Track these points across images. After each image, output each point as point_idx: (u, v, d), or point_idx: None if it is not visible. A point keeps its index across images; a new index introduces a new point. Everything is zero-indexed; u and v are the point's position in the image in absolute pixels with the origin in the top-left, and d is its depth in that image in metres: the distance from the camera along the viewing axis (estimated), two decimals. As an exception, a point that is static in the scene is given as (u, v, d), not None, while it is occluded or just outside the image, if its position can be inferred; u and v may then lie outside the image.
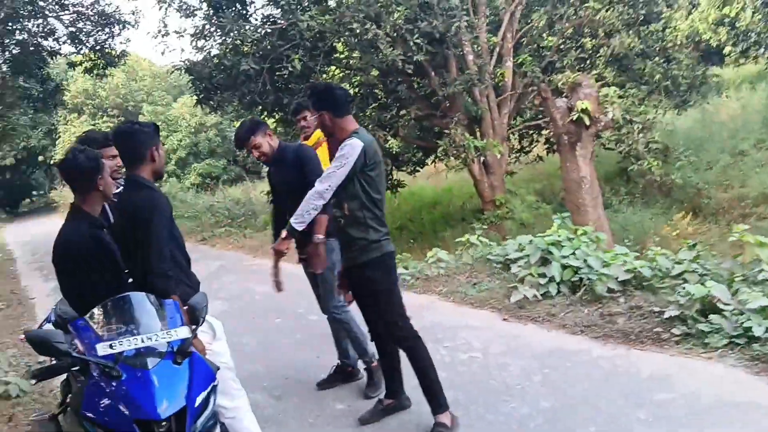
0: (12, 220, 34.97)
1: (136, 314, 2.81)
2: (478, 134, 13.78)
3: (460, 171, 14.78)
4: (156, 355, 2.63)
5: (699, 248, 5.62)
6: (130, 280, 3.44)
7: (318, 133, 5.88)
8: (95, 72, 16.99)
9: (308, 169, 4.28)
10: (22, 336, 7.62)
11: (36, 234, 23.12)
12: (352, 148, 3.63)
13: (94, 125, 31.50)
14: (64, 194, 32.86)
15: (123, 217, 3.31)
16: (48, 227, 25.59)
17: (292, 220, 3.69)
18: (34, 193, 48.31)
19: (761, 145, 14.64)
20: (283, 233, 3.75)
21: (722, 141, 15.27)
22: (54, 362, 2.84)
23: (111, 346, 2.57)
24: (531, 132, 16.37)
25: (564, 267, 5.84)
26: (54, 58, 17.41)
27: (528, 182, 17.35)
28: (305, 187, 4.12)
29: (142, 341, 2.62)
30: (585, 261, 5.82)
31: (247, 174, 26.91)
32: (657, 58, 14.83)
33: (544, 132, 16.38)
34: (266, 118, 14.47)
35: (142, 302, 2.87)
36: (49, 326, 3.86)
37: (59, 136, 34.09)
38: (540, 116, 16.27)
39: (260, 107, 12.83)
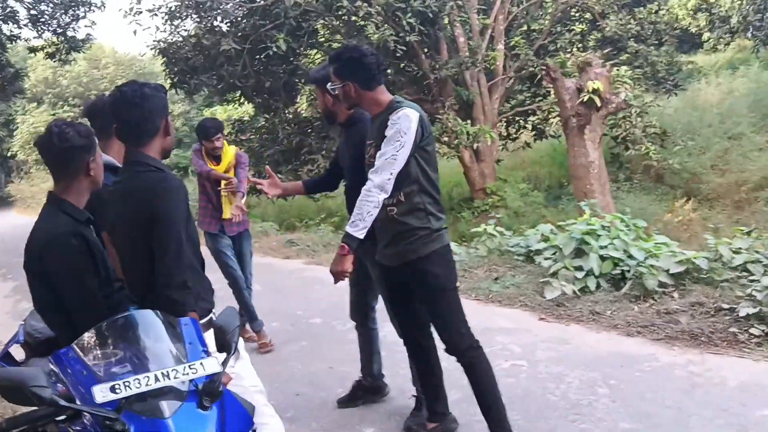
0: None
1: (144, 341, 2.07)
2: (468, 120, 13.18)
3: (449, 159, 14.18)
4: (174, 397, 1.91)
5: (755, 235, 5.04)
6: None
7: (230, 156, 5.32)
8: (58, 57, 15.91)
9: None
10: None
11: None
12: (408, 121, 2.92)
13: (53, 115, 30.16)
14: (21, 188, 31.44)
15: (119, 209, 2.54)
16: (4, 223, 24.37)
17: (348, 228, 2.94)
18: (-11, 186, 46.48)
19: (756, 127, 14.26)
20: (340, 248, 2.98)
21: (714, 126, 14.90)
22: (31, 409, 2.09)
23: (113, 390, 1.83)
24: (518, 118, 15.83)
25: (602, 259, 5.21)
26: (14, 42, 16.31)
27: (514, 170, 16.84)
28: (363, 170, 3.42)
29: (156, 380, 1.89)
30: (626, 251, 5.21)
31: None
32: (650, 41, 14.38)
33: (531, 118, 15.89)
34: (245, 103, 13.69)
35: (150, 324, 2.13)
36: (17, 348, 3.09)
37: (17, 127, 32.63)
38: (530, 101, 15.79)
39: (239, 91, 12.04)
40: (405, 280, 3.17)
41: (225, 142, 5.38)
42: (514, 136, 16.19)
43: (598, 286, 5.12)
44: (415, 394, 3.76)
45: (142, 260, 2.45)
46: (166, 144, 2.61)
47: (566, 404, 3.63)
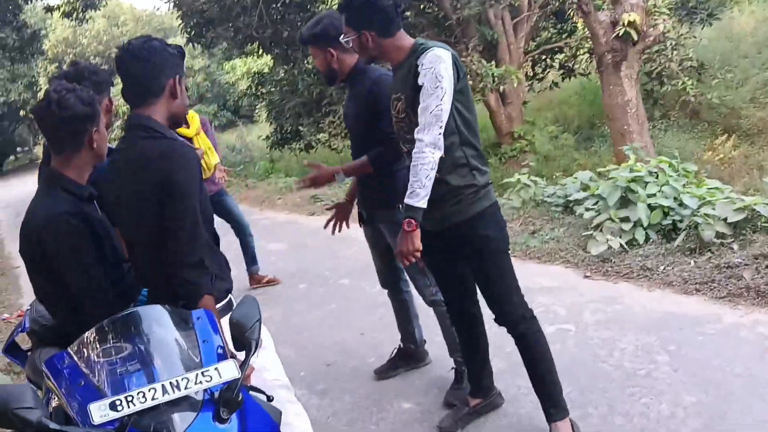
0: (-3, 177, 33.66)
1: (152, 343, 1.77)
2: (493, 62, 12.60)
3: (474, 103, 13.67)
4: (188, 407, 1.63)
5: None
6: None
7: (197, 120, 5.31)
8: (75, 16, 15.55)
9: (379, 109, 3.15)
10: (5, 316, 6.69)
11: (20, 194, 21.89)
12: (441, 62, 2.53)
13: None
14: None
15: (123, 181, 2.22)
16: (34, 187, 24.37)
17: (408, 200, 2.56)
18: (19, 150, 46.74)
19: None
20: (406, 224, 2.58)
21: (751, 57, 14.13)
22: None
23: (114, 407, 1.55)
24: (545, 57, 15.18)
25: (651, 208, 4.82)
26: (30, 2, 15.96)
27: (540, 111, 16.25)
28: (371, 131, 3.12)
29: (164, 392, 1.60)
30: (676, 199, 4.81)
31: (240, 118, 25.64)
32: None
33: (558, 56, 15.24)
34: (263, 55, 13.26)
35: (158, 321, 1.84)
36: (23, 337, 2.85)
37: (40, 89, 32.50)
38: (556, 38, 15.12)
39: (257, 42, 11.61)
40: (449, 245, 2.82)
41: None
42: (541, 75, 15.58)
43: (647, 238, 4.73)
44: (455, 366, 3.48)
45: (150, 239, 2.15)
46: (174, 108, 2.26)
47: (622, 374, 3.31)
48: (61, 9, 15.46)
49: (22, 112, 35.24)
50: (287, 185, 10.95)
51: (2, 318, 6.57)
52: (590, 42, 13.39)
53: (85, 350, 1.79)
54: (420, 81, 2.54)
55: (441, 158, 2.65)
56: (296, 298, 5.56)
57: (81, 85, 2.40)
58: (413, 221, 2.56)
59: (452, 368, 3.47)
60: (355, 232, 6.66)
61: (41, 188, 2.40)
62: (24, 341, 2.84)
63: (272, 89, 14.03)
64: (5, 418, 1.48)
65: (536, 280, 4.70)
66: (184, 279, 2.08)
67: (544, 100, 16.72)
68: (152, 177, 2.09)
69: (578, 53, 14.55)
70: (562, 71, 15.00)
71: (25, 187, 25.01)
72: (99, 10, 17.35)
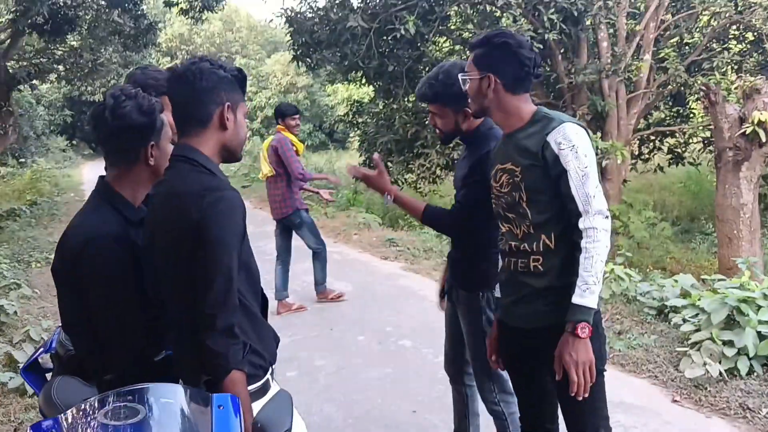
0: (94, 158, 35.08)
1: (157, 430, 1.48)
2: (599, 133, 12.14)
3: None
4: None
5: None
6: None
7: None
8: (191, 15, 16.07)
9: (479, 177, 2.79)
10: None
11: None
12: (582, 138, 2.21)
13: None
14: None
15: (158, 217, 1.95)
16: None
17: (581, 299, 2.12)
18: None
19: None
20: (578, 329, 2.10)
21: None
22: None
23: None
24: (654, 138, 14.51)
25: (760, 337, 4.26)
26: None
27: (639, 193, 15.54)
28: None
29: None
30: (792, 333, 4.23)
31: (332, 142, 25.86)
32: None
33: (669, 140, 14.55)
34: (365, 85, 13.22)
35: (172, 405, 1.55)
36: (46, 359, 2.61)
37: (150, 79, 33.97)
38: (670, 121, 14.48)
39: (361, 72, 11.57)
40: (535, 349, 2.40)
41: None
42: (646, 156, 14.89)
43: (751, 371, 4.17)
44: None
45: (177, 290, 1.88)
46: (225, 140, 1.96)
47: None
48: (180, 5, 16.02)
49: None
50: (366, 222, 10.71)
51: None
52: (707, 131, 12.76)
53: (78, 423, 1.51)
54: (564, 161, 2.18)
55: (549, 249, 2.28)
56: (353, 350, 5.23)
57: (147, 91, 2.15)
58: (588, 325, 2.12)
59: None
60: (423, 289, 6.36)
61: (90, 201, 2.15)
62: (47, 363, 2.61)
63: (368, 120, 13.98)
64: None
65: (616, 391, 4.17)
66: (208, 347, 1.77)
67: (645, 182, 16.01)
68: (186, 217, 1.81)
69: (691, 141, 13.86)
70: (670, 156, 14.31)
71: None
72: (216, 12, 17.88)
